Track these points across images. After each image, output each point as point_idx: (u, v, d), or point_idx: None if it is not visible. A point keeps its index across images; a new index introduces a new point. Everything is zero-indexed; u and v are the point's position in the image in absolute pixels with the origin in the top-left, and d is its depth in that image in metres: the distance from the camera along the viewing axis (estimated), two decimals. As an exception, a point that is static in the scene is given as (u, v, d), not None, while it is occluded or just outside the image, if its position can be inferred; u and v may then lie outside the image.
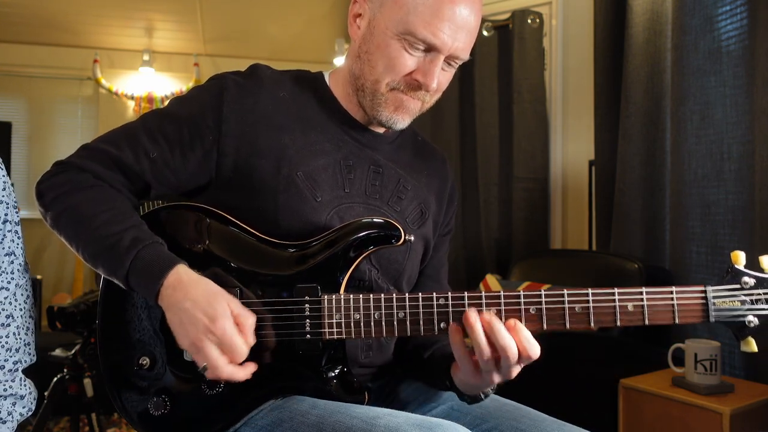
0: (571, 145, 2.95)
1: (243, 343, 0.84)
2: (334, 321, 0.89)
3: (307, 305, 0.90)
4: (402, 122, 1.02)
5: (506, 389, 1.14)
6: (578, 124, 2.91)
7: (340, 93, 1.07)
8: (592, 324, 0.85)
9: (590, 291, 0.86)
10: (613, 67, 2.54)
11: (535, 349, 0.84)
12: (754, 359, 1.89)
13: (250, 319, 0.86)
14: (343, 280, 0.92)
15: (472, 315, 0.84)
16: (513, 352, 0.83)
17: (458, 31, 0.94)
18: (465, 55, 0.99)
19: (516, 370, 0.86)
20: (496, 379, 0.87)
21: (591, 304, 0.85)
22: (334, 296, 0.90)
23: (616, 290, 0.85)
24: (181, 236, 0.96)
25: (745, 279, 0.84)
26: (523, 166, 2.95)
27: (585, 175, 2.83)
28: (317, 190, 0.98)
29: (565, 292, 0.86)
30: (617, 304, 0.85)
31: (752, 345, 0.83)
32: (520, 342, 0.83)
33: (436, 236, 1.16)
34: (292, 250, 0.94)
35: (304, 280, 0.91)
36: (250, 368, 0.87)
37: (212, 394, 0.91)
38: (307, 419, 0.84)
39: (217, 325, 0.83)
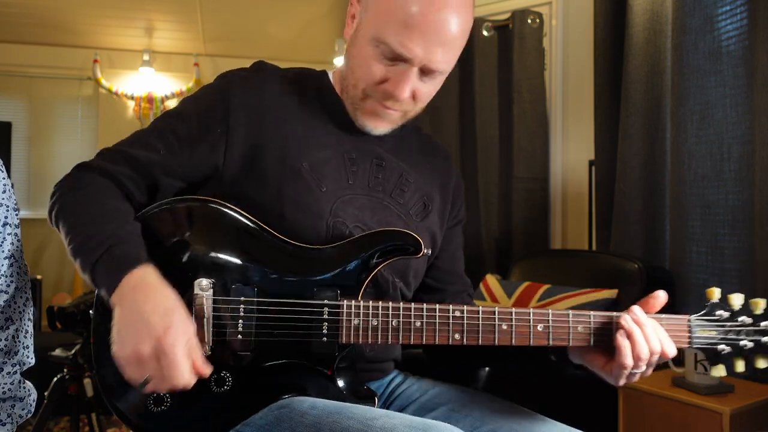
0: (571, 145, 2.95)
1: (187, 369, 0.81)
2: (352, 325, 0.91)
3: (326, 308, 0.91)
4: (379, 129, 1.04)
5: (507, 390, 1.15)
6: (578, 124, 2.91)
7: (341, 90, 1.08)
8: (592, 342, 0.92)
9: (592, 314, 0.91)
10: (613, 67, 2.54)
11: (672, 349, 0.89)
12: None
13: (198, 353, 0.83)
14: (362, 286, 0.93)
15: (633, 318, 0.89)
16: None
17: (432, 44, 0.92)
18: (442, 68, 0.96)
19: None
20: (634, 378, 0.91)
21: (592, 326, 0.91)
22: (353, 302, 0.91)
23: (613, 314, 0.91)
24: (201, 232, 0.95)
25: (720, 312, 0.93)
26: (523, 166, 2.95)
27: (585, 175, 2.83)
28: (322, 180, 1.00)
29: (570, 313, 0.91)
30: (613, 327, 0.91)
31: (722, 371, 0.92)
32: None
33: (446, 227, 1.17)
34: (313, 254, 0.95)
35: (324, 284, 0.93)
36: (193, 378, 0.83)
37: (219, 392, 0.91)
38: (306, 419, 0.85)
39: (169, 338, 0.79)
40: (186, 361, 0.81)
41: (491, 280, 2.44)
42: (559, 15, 2.96)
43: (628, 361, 0.86)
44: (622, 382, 0.89)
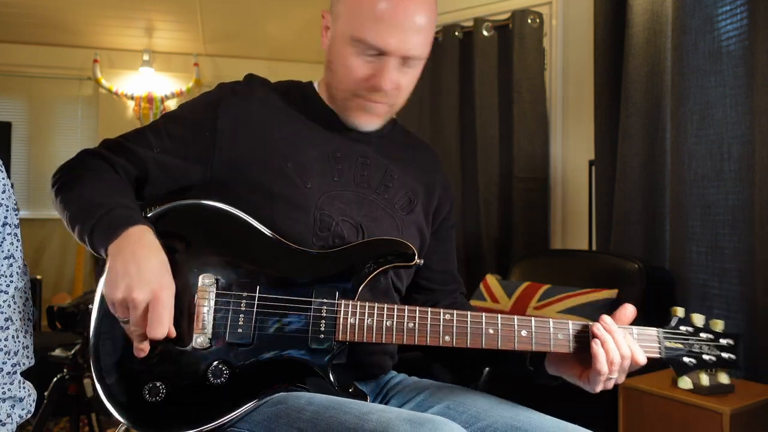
0: (571, 145, 2.95)
1: (168, 324, 0.88)
2: (348, 324, 0.95)
3: (324, 307, 0.95)
4: (370, 125, 1.10)
5: (505, 389, 1.15)
6: (578, 124, 2.91)
7: (326, 96, 1.15)
8: (570, 349, 0.96)
9: (570, 323, 0.97)
10: (613, 67, 2.54)
11: (642, 357, 0.94)
12: (754, 359, 1.89)
13: (172, 314, 0.90)
14: (359, 287, 0.98)
15: (605, 327, 0.94)
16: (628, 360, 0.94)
17: (405, 32, 1.00)
18: (418, 53, 1.03)
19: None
20: (610, 384, 0.96)
21: (570, 333, 0.96)
22: (350, 302, 0.96)
23: (589, 324, 0.96)
24: (212, 231, 1.01)
25: (684, 328, 1.01)
26: (523, 166, 2.95)
27: (585, 175, 2.83)
28: (307, 178, 1.06)
29: (551, 321, 0.96)
30: (590, 335, 0.95)
31: (687, 383, 0.98)
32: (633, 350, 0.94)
33: (435, 228, 1.20)
34: (315, 257, 1.00)
35: (324, 284, 0.97)
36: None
37: (216, 383, 0.93)
38: (303, 415, 0.87)
39: (163, 294, 0.87)
40: (169, 319, 0.88)
41: (491, 280, 2.44)
42: (559, 15, 2.96)
43: (603, 367, 0.91)
44: (598, 388, 0.94)
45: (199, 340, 0.94)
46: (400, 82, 1.05)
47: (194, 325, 0.95)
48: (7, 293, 0.86)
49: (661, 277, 2.14)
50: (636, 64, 2.37)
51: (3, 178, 0.87)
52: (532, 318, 0.96)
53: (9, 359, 0.86)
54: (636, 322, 0.99)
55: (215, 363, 0.93)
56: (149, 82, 4.90)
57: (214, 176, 1.06)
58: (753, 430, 1.62)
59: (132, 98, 4.86)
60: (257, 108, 1.09)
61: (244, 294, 0.96)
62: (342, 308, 0.95)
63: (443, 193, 1.22)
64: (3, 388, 0.86)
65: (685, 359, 0.99)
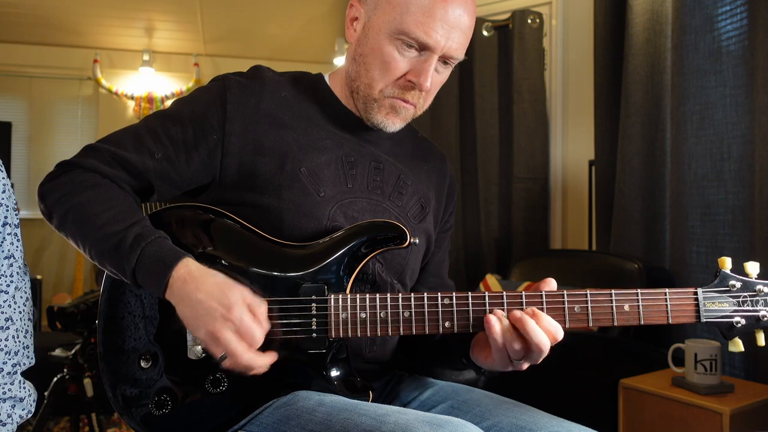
0: (571, 145, 2.95)
1: (258, 329, 0.85)
2: (341, 320, 0.90)
3: (313, 304, 0.91)
4: (394, 126, 1.04)
5: (507, 388, 1.15)
6: (578, 124, 2.91)
7: (339, 92, 1.09)
8: (590, 323, 0.88)
9: (588, 292, 0.88)
10: (613, 67, 2.54)
11: (559, 332, 0.86)
12: (754, 359, 1.89)
13: (262, 306, 0.87)
14: (349, 280, 0.93)
15: (499, 314, 0.86)
16: (546, 345, 0.84)
17: (451, 31, 0.95)
18: (459, 55, 0.99)
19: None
20: (525, 365, 0.89)
21: (589, 305, 0.88)
22: (340, 296, 0.91)
23: (612, 291, 0.88)
24: (187, 236, 0.96)
25: (732, 282, 0.88)
26: (523, 166, 2.95)
27: (585, 175, 2.83)
28: (320, 185, 1.00)
29: (565, 293, 0.88)
30: (614, 304, 0.88)
31: (739, 345, 0.87)
32: (548, 331, 0.85)
33: (437, 232, 1.17)
34: (298, 251, 0.95)
35: (310, 280, 0.92)
36: (270, 357, 0.87)
37: (215, 392, 0.92)
38: (315, 417, 0.84)
39: (233, 313, 0.83)
40: (254, 324, 0.85)
41: (491, 280, 2.44)
42: (559, 15, 2.96)
43: (498, 338, 0.85)
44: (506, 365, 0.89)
45: (194, 350, 0.92)
46: (433, 83, 1.00)
47: (187, 337, 0.93)
48: (8, 293, 0.86)
49: (660, 277, 2.14)
50: (636, 64, 2.37)
51: (3, 178, 0.87)
52: (543, 292, 0.88)
53: (9, 359, 0.86)
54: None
55: (213, 373, 0.92)
56: (149, 82, 4.90)
57: (224, 182, 1.00)
58: (753, 430, 1.62)
59: (132, 98, 4.86)
60: (267, 106, 1.02)
61: None
62: (332, 302, 0.90)
63: (450, 197, 1.20)
64: (3, 388, 0.86)
65: (735, 320, 0.86)
